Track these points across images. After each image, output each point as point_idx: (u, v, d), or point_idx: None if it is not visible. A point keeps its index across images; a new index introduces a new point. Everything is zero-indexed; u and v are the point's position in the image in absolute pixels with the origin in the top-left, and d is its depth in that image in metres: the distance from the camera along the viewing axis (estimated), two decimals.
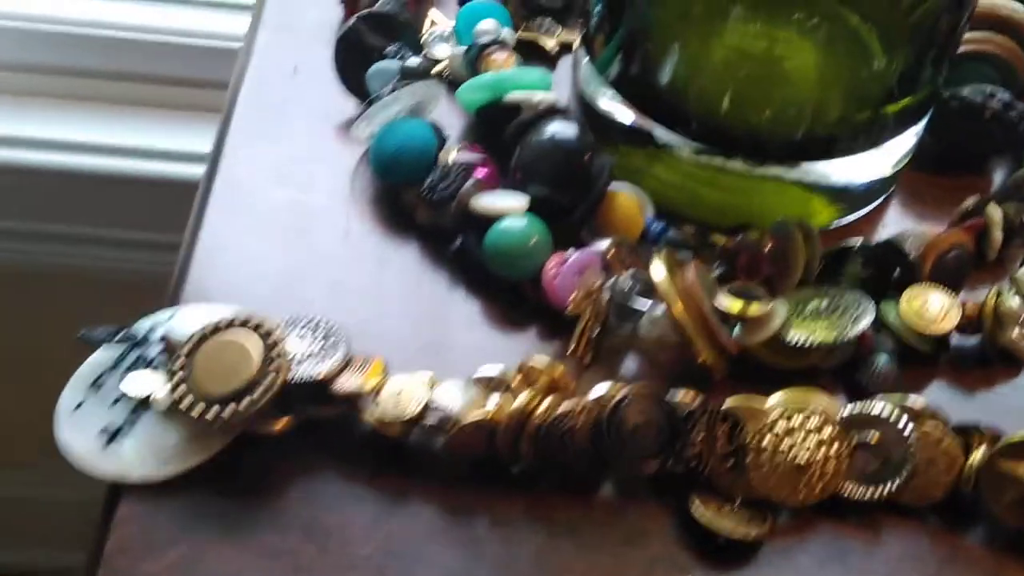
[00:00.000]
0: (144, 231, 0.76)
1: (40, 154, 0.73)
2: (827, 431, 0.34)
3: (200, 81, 0.73)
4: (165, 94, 0.74)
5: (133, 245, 0.77)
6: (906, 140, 0.42)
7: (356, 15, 0.43)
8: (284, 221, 0.40)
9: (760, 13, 0.40)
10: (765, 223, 0.39)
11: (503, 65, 0.43)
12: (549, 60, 0.46)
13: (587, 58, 0.42)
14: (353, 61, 0.43)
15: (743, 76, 0.41)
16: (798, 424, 0.34)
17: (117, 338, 0.36)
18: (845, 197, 0.42)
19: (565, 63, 0.46)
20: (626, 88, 0.41)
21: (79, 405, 0.35)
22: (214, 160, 0.41)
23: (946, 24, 0.40)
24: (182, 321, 0.36)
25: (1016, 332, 0.38)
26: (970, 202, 0.41)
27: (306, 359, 0.35)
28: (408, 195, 0.40)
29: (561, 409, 0.34)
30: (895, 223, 0.43)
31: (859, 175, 0.42)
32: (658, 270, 0.37)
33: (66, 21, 0.73)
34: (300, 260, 0.39)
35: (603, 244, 0.39)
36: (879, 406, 0.35)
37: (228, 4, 0.74)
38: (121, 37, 0.72)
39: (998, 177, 0.44)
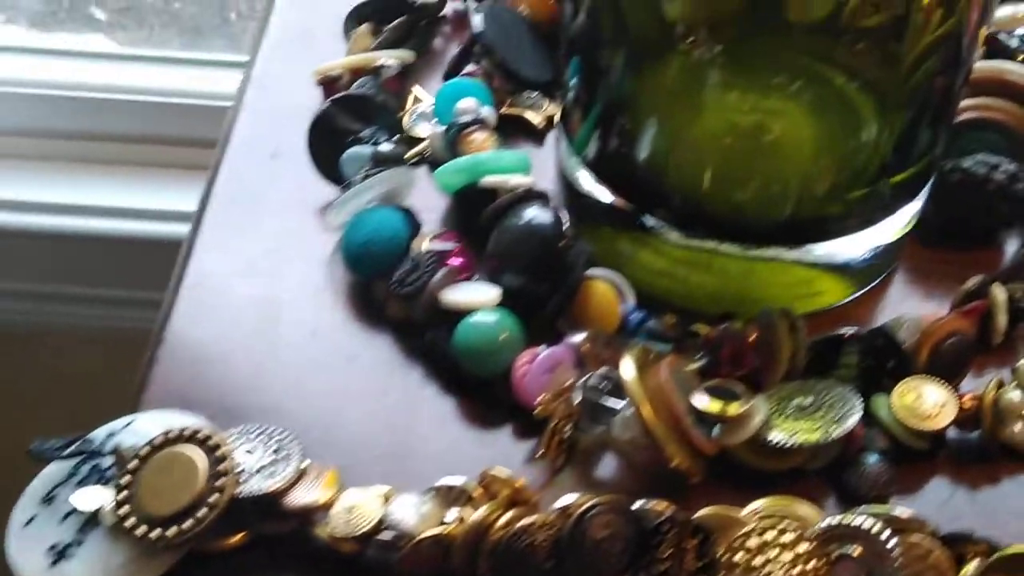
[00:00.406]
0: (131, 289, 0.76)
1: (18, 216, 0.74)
2: (802, 547, 0.32)
3: (186, 140, 0.73)
4: (149, 153, 0.74)
5: (119, 303, 0.77)
6: (905, 214, 0.40)
7: (330, 98, 0.42)
8: (252, 317, 0.39)
9: (740, 79, 0.38)
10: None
11: (482, 146, 0.41)
12: (536, 136, 0.45)
13: (564, 136, 0.41)
14: (327, 146, 0.42)
15: (725, 149, 0.39)
16: (772, 539, 0.32)
17: (68, 451, 0.35)
18: (850, 273, 0.40)
19: (553, 139, 0.45)
20: (605, 168, 0.40)
21: (30, 520, 0.34)
22: (186, 255, 0.41)
23: (941, 85, 0.38)
24: (137, 430, 0.35)
25: (1019, 427, 0.36)
26: (973, 282, 0.38)
27: (257, 472, 0.33)
28: (379, 288, 0.39)
29: (522, 523, 0.33)
30: (897, 303, 0.40)
31: (860, 249, 0.40)
32: (628, 368, 0.35)
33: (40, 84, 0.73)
34: (266, 359, 0.38)
35: (578, 338, 0.37)
36: (860, 519, 0.32)
37: (207, 62, 0.74)
38: (102, 98, 0.73)
39: (1011, 250, 0.42)
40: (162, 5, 1.14)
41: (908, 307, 0.39)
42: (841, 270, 0.40)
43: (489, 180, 0.40)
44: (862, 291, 0.41)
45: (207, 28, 0.90)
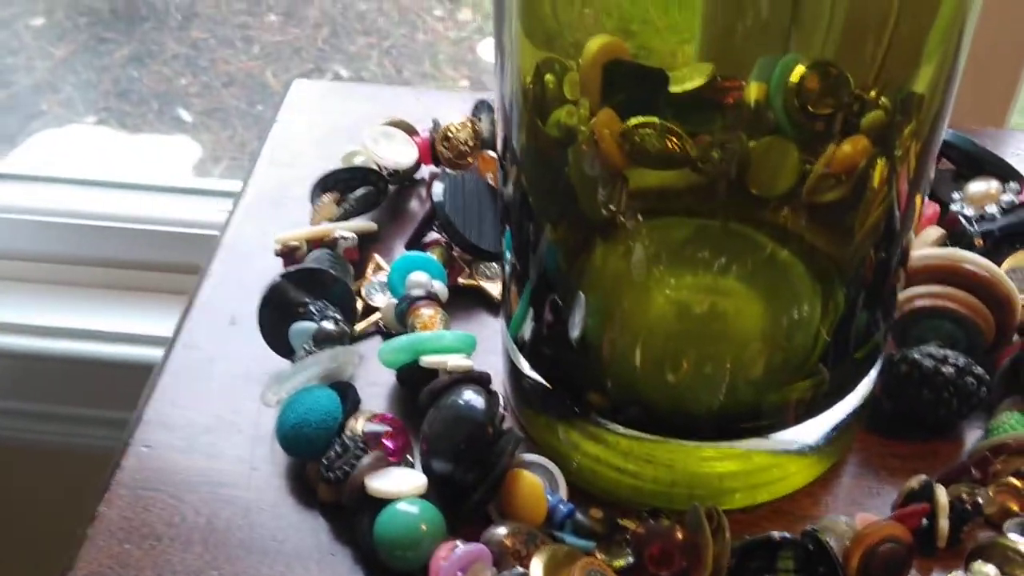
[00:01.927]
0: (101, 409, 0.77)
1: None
2: None
3: (164, 265, 0.74)
4: (126, 277, 0.76)
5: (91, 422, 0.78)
6: (852, 401, 0.38)
7: (282, 271, 0.42)
8: (188, 496, 0.39)
9: (673, 255, 0.37)
10: (720, 496, 0.37)
11: (428, 322, 0.41)
12: (494, 307, 0.45)
13: (503, 314, 0.41)
14: (279, 318, 0.42)
15: (658, 328, 0.38)
16: None
17: None
18: (805, 456, 0.39)
19: None
20: (540, 349, 0.39)
21: None
22: (134, 425, 0.41)
23: (876, 261, 0.36)
24: None
25: None
26: (916, 482, 0.37)
27: None
28: (312, 470, 0.39)
29: None
30: (844, 497, 0.39)
31: (808, 435, 0.39)
32: (536, 570, 0.34)
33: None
34: (197, 537, 0.38)
35: (500, 531, 0.36)
36: None
37: (185, 189, 0.75)
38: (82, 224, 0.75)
39: (972, 440, 0.40)
40: (246, 107, 1.17)
41: (856, 500, 0.38)
42: (797, 454, 0.39)
43: (428, 360, 0.40)
44: (825, 470, 0.39)
45: None
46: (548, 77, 0.34)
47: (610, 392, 0.38)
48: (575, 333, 0.38)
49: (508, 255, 0.39)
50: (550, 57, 0.34)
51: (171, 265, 0.75)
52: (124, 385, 0.68)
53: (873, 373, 0.39)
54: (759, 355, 0.37)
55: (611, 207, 0.36)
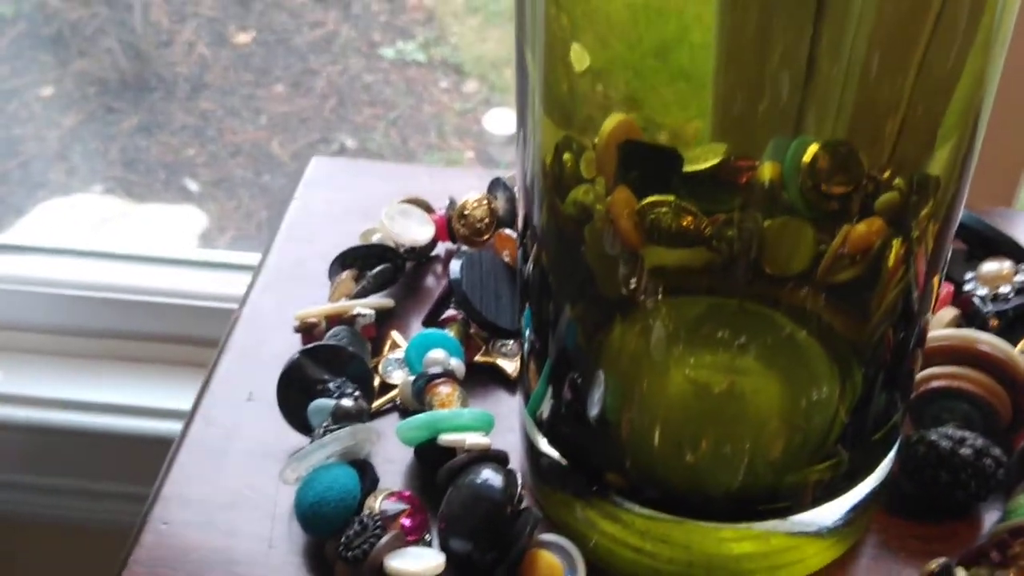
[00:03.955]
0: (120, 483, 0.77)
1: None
2: None
3: (178, 337, 0.75)
4: (140, 350, 0.76)
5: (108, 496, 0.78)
6: (871, 483, 0.39)
7: (300, 348, 0.43)
8: (205, 575, 0.39)
9: (692, 335, 0.37)
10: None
11: (446, 400, 0.41)
12: (510, 385, 0.45)
13: (522, 393, 0.41)
14: (297, 395, 0.42)
15: (676, 407, 0.38)
16: None
17: None
18: (822, 538, 0.39)
19: None
20: (558, 427, 0.39)
21: None
22: (151, 502, 0.41)
23: (895, 341, 0.36)
24: None
25: None
26: (934, 564, 0.37)
27: None
28: (330, 548, 0.39)
29: None
30: None
31: (826, 517, 0.39)
32: None
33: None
34: None
35: None
36: None
37: (197, 262, 0.76)
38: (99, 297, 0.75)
39: (990, 522, 0.40)
40: (252, 177, 1.18)
41: None
42: (814, 536, 0.39)
43: (446, 438, 0.40)
44: (842, 553, 0.39)
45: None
46: (567, 156, 0.35)
47: (628, 471, 0.38)
48: (594, 412, 0.38)
49: (527, 332, 0.39)
50: (569, 136, 0.34)
51: (185, 337, 0.76)
52: (137, 459, 0.68)
53: (891, 454, 0.39)
54: (778, 436, 0.38)
55: (629, 286, 0.36)
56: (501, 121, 1.19)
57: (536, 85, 0.34)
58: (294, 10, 1.23)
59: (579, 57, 0.33)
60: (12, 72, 1.20)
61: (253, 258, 0.72)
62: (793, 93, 0.31)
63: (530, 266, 0.38)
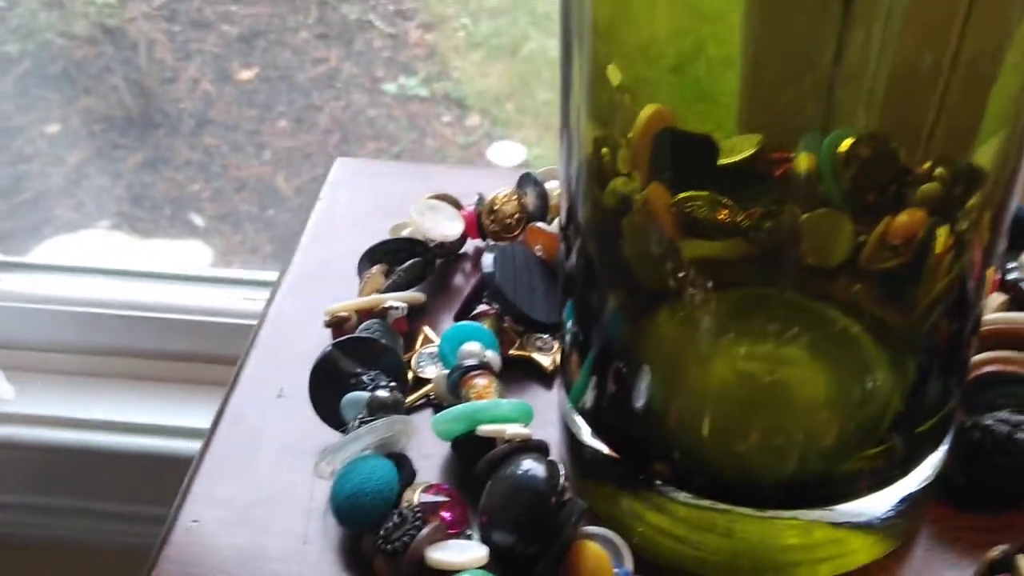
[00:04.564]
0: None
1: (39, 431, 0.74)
2: None
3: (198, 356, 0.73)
4: (159, 369, 0.74)
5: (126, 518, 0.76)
6: (925, 470, 0.37)
7: (333, 341, 0.41)
8: (238, 573, 0.37)
9: (740, 324, 0.35)
10: (783, 569, 0.35)
11: (483, 392, 0.40)
12: (546, 379, 0.43)
13: (563, 384, 0.39)
14: (330, 389, 0.40)
15: (724, 397, 0.36)
16: None
17: None
18: (876, 531, 0.37)
19: None
20: (602, 418, 0.38)
21: None
22: (180, 501, 0.39)
23: (950, 330, 0.35)
24: None
25: None
26: (997, 551, 0.35)
27: None
28: (367, 542, 0.37)
29: None
30: (917, 573, 0.37)
31: (882, 506, 0.37)
32: None
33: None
34: None
35: None
36: None
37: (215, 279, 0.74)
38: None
39: None
40: (257, 212, 1.17)
41: (935, 574, 0.36)
42: (863, 528, 0.37)
43: (485, 429, 0.38)
44: (892, 549, 0.38)
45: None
46: (604, 150, 0.34)
47: (676, 461, 0.37)
48: (640, 402, 0.37)
49: (569, 324, 0.38)
50: (607, 133, 0.33)
51: (206, 356, 0.74)
52: (153, 480, 0.66)
53: (945, 443, 0.37)
54: (828, 424, 0.36)
55: (672, 277, 0.34)
56: (506, 154, 1.18)
57: (578, 77, 0.33)
58: (297, 47, 1.22)
59: (614, 74, 0.32)
60: (18, 109, 1.19)
61: (269, 275, 0.71)
62: (822, 82, 0.30)
63: (573, 258, 0.37)
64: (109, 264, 0.79)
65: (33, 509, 0.77)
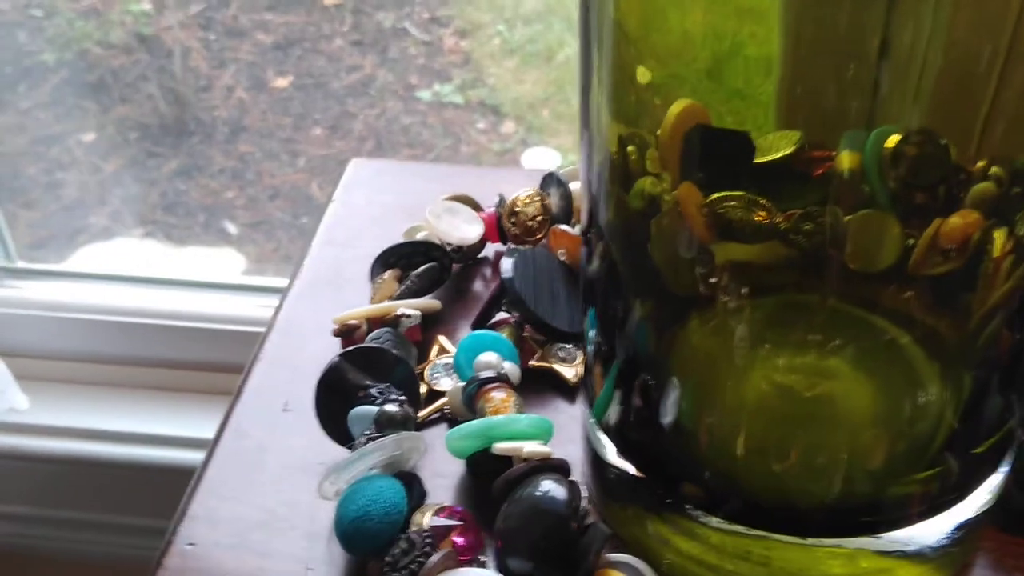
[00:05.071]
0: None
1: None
2: None
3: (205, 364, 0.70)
4: (170, 377, 0.71)
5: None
6: (982, 494, 0.33)
7: (340, 351, 0.38)
8: None
9: (777, 333, 0.32)
10: None
11: (500, 406, 0.36)
12: (568, 392, 0.39)
13: (585, 398, 0.36)
14: (337, 402, 0.37)
15: (761, 413, 0.33)
16: None
17: None
18: (925, 561, 0.33)
19: None
20: (628, 435, 0.34)
21: None
22: (177, 520, 0.36)
23: (1010, 343, 0.31)
24: None
25: None
26: None
27: None
28: (373, 569, 0.34)
29: None
30: None
31: (934, 534, 0.33)
32: None
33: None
34: None
35: None
36: None
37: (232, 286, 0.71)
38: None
39: None
40: (290, 220, 1.15)
41: None
42: (913, 557, 0.33)
43: (502, 447, 0.35)
44: None
45: None
46: (631, 148, 0.31)
47: (707, 482, 0.33)
48: (668, 418, 0.33)
49: (591, 334, 0.34)
50: (634, 131, 0.31)
51: (227, 366, 0.71)
52: (163, 491, 0.63)
53: (1005, 465, 0.33)
54: (876, 443, 0.32)
55: (704, 283, 0.31)
56: (540, 159, 1.15)
57: (600, 76, 0.30)
58: (332, 55, 1.21)
59: (643, 74, 0.30)
60: (55, 118, 1.18)
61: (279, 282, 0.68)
62: (867, 75, 0.27)
63: (596, 263, 0.33)
64: (129, 271, 0.76)
65: (49, 522, 0.74)
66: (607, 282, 0.33)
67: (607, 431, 0.35)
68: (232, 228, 1.14)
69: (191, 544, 0.35)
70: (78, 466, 0.71)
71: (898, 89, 0.27)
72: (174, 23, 1.20)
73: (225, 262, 1.11)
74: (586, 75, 0.31)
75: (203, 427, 0.70)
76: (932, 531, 0.33)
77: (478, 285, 0.43)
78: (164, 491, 0.65)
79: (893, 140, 0.28)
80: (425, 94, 1.20)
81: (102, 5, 1.20)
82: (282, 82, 1.21)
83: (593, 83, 0.31)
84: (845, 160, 0.28)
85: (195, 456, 0.69)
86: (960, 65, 0.27)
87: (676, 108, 0.30)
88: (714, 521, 0.33)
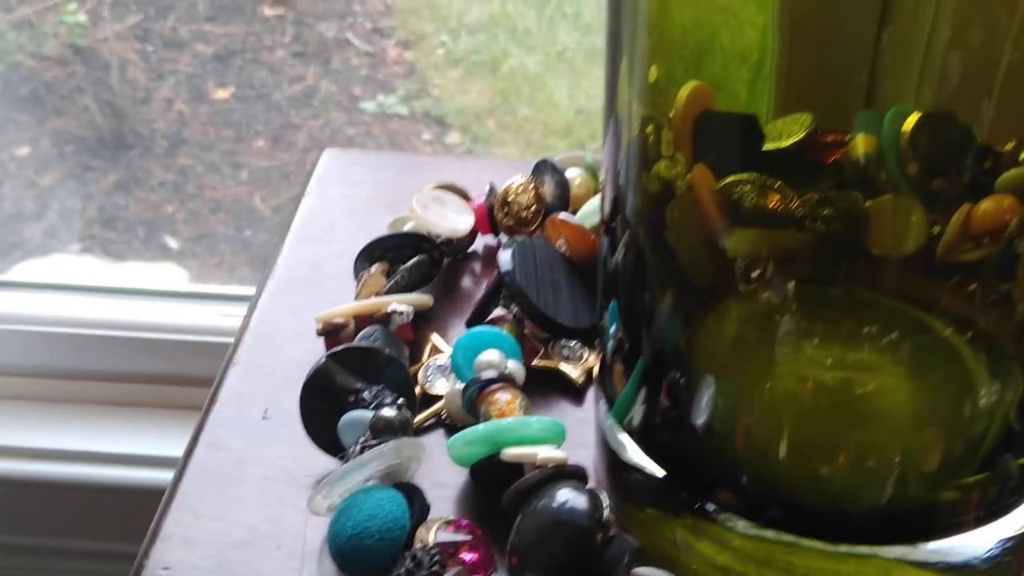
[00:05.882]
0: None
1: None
2: None
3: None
4: (140, 393, 0.67)
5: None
6: None
7: (327, 352, 0.33)
8: None
9: (820, 326, 0.29)
10: None
11: (506, 409, 0.32)
12: (575, 393, 0.36)
13: (604, 397, 0.32)
14: (325, 408, 0.33)
15: (805, 413, 0.29)
16: None
17: None
18: (975, 574, 0.30)
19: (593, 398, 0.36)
20: (653, 436, 0.31)
21: None
22: (147, 544, 0.32)
23: None
24: None
25: None
26: None
27: None
28: None
29: None
30: None
31: (984, 544, 0.30)
32: None
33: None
34: None
35: None
36: None
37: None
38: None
39: None
40: (233, 233, 1.11)
41: None
42: (959, 570, 0.30)
43: (512, 453, 0.31)
44: None
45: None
46: (649, 129, 0.28)
47: (744, 487, 0.29)
48: (700, 419, 0.29)
49: (612, 329, 0.31)
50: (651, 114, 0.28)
51: (186, 378, 0.66)
52: (134, 515, 0.58)
53: None
54: (929, 442, 0.29)
55: (729, 273, 0.28)
56: None
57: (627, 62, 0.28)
58: (273, 65, 1.17)
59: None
60: None
61: (248, 291, 0.63)
62: (866, 49, 0.25)
63: (620, 254, 0.30)
64: (72, 281, 0.71)
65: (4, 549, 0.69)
66: (632, 273, 0.30)
67: (630, 432, 0.31)
68: (173, 243, 1.10)
69: (165, 568, 0.31)
70: (24, 488, 0.66)
71: (903, 62, 0.24)
72: (110, 35, 1.15)
73: (166, 277, 1.07)
74: (613, 57, 0.29)
75: (165, 444, 0.65)
76: (981, 541, 0.30)
77: (467, 281, 0.40)
78: (126, 513, 0.60)
79: (910, 121, 0.25)
80: (369, 105, 1.17)
81: (35, 17, 1.15)
82: (223, 93, 1.17)
83: (622, 66, 0.28)
84: (860, 144, 0.26)
85: (159, 476, 0.64)
86: (969, 34, 0.24)
87: (685, 90, 0.27)
88: (750, 529, 0.29)
